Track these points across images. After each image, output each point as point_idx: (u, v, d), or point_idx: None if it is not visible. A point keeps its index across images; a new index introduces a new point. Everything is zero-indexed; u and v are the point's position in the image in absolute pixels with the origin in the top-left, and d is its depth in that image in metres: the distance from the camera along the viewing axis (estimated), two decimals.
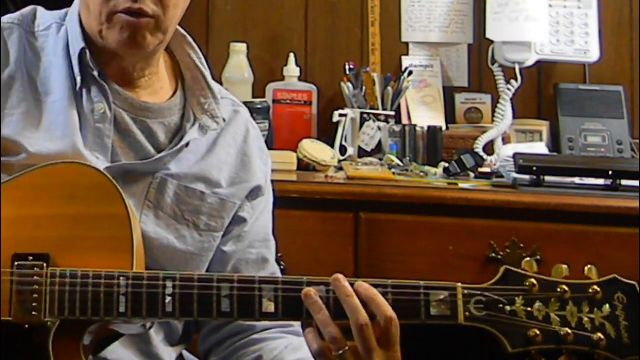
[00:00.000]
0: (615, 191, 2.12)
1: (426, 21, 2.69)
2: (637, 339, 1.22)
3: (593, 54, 2.56)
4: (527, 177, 2.17)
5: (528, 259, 1.28)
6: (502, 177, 2.27)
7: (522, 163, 2.16)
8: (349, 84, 2.54)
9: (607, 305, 1.24)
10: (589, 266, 1.26)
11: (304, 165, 2.35)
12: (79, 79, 1.37)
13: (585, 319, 1.23)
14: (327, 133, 2.52)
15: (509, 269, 1.26)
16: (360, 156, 2.46)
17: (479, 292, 1.24)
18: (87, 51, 1.37)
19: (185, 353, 1.52)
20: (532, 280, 1.25)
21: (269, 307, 1.23)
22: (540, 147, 2.47)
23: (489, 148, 2.50)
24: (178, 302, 1.23)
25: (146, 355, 1.42)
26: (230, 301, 1.23)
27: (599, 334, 1.22)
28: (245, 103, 2.44)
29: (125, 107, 1.40)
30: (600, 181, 2.18)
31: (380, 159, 2.42)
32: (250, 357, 1.45)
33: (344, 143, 2.47)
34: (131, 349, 1.40)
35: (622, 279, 1.25)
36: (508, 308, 1.24)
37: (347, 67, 2.56)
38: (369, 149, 2.48)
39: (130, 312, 1.23)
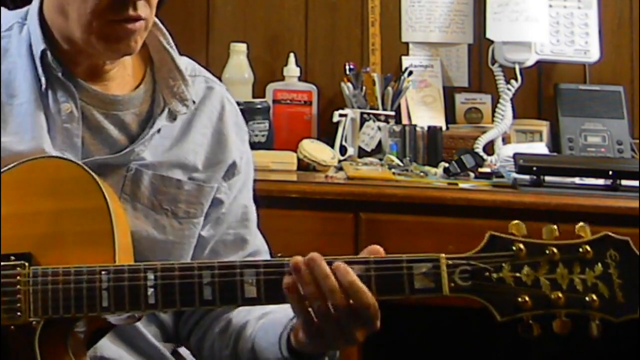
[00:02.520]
0: (615, 191, 2.12)
1: (426, 21, 2.69)
2: (632, 296, 1.17)
3: (593, 54, 2.56)
4: (527, 177, 2.17)
5: (516, 221, 1.22)
6: (502, 177, 2.27)
7: (522, 163, 2.16)
8: (349, 84, 2.54)
9: (599, 264, 1.18)
10: (580, 224, 1.21)
11: (304, 165, 2.35)
12: (43, 80, 1.35)
13: (577, 280, 1.18)
14: (327, 133, 2.52)
15: (494, 234, 1.21)
16: (360, 156, 2.46)
17: (463, 261, 1.20)
18: (48, 52, 1.35)
19: (183, 349, 1.52)
20: (519, 244, 1.19)
21: (251, 291, 1.21)
22: (540, 147, 2.47)
23: (489, 148, 2.50)
24: (160, 294, 1.22)
25: (141, 351, 1.42)
26: (212, 288, 1.21)
27: (592, 295, 1.17)
28: (246, 103, 2.46)
29: (95, 103, 1.38)
30: (600, 181, 2.18)
31: (380, 159, 2.42)
32: (222, 324, 1.44)
33: (344, 143, 2.47)
34: (126, 345, 1.40)
35: (614, 236, 1.20)
36: (495, 275, 1.19)
37: (347, 67, 2.56)
38: (369, 149, 2.48)
39: (113, 307, 1.22)
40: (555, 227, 1.21)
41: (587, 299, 1.17)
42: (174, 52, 1.44)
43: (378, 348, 2.58)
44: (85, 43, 1.33)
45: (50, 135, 1.35)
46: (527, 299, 1.18)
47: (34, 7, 1.40)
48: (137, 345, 1.41)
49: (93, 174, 1.29)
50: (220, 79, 2.55)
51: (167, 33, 1.45)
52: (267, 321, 1.37)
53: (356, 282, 1.19)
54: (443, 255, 1.21)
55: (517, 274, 1.19)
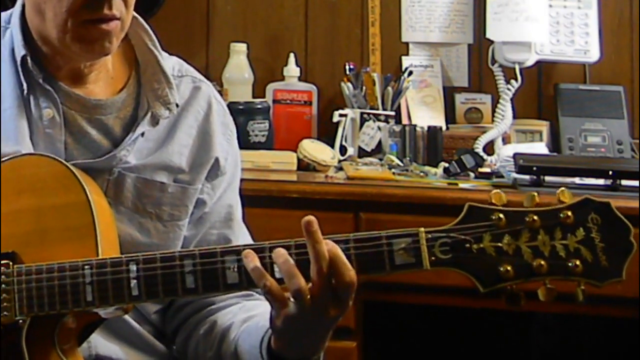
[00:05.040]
0: (615, 191, 2.12)
1: (426, 21, 2.69)
2: (616, 260, 1.14)
3: (593, 54, 2.56)
4: (527, 177, 2.17)
5: (496, 190, 1.20)
6: (502, 177, 2.27)
7: (522, 163, 2.16)
8: (349, 84, 2.54)
9: (581, 229, 1.15)
10: (561, 189, 1.19)
11: (304, 165, 2.35)
12: (25, 86, 1.35)
13: (559, 246, 1.15)
14: (327, 133, 2.52)
15: (473, 204, 1.18)
16: (360, 156, 2.46)
17: (443, 234, 1.18)
18: (29, 58, 1.34)
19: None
20: (499, 213, 1.16)
21: (233, 277, 1.21)
22: (540, 147, 2.47)
23: (489, 148, 2.50)
24: (143, 285, 1.22)
25: (136, 348, 1.42)
26: (194, 277, 1.21)
27: (575, 260, 1.15)
28: (246, 103, 2.47)
29: (77, 108, 1.37)
30: (600, 181, 2.18)
31: (380, 159, 2.42)
32: (207, 325, 1.43)
33: (344, 143, 2.47)
34: (121, 343, 1.40)
35: (595, 199, 1.18)
36: (475, 246, 1.16)
37: (347, 67, 2.56)
38: (369, 149, 2.48)
39: (97, 301, 1.22)
40: (535, 194, 1.19)
41: (570, 264, 1.15)
42: (159, 54, 1.43)
43: (378, 348, 2.58)
44: (61, 44, 1.32)
45: (32, 141, 1.35)
46: (509, 268, 1.15)
47: (16, 10, 1.39)
48: (132, 342, 1.41)
49: (72, 168, 1.29)
50: (220, 79, 2.58)
51: (152, 34, 1.44)
52: (251, 324, 1.36)
53: (342, 256, 1.18)
54: (422, 229, 1.19)
55: (498, 244, 1.16)
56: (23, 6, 1.38)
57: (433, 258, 1.18)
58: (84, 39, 1.30)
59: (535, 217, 1.16)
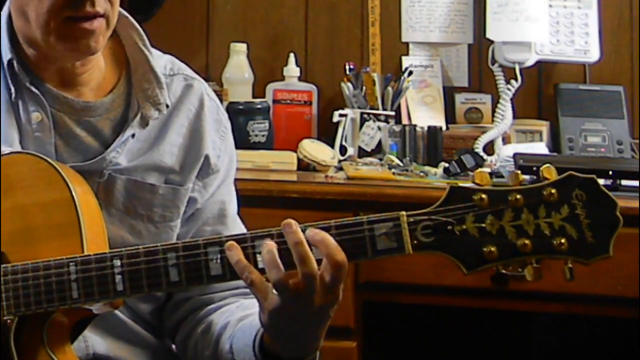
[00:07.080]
0: (615, 191, 2.12)
1: (426, 21, 2.69)
2: (602, 236, 1.12)
3: (593, 54, 2.56)
4: (527, 177, 2.17)
5: (480, 170, 1.18)
6: (502, 177, 2.27)
7: (522, 163, 2.16)
8: (349, 84, 2.54)
9: (566, 206, 1.13)
10: (546, 165, 1.17)
11: (304, 165, 2.36)
12: (12, 90, 1.35)
13: (543, 224, 1.13)
14: (327, 133, 2.52)
15: (454, 186, 1.16)
16: (360, 156, 2.47)
17: (425, 217, 1.15)
18: (15, 61, 1.34)
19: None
20: (480, 194, 1.14)
21: (216, 269, 1.20)
22: (540, 147, 2.47)
23: (489, 148, 2.50)
24: (127, 280, 1.22)
25: (133, 345, 1.42)
26: (177, 270, 1.21)
27: (560, 238, 1.12)
28: (246, 103, 2.47)
29: (66, 111, 1.36)
30: (601, 181, 2.17)
31: (380, 159, 2.42)
32: (205, 325, 1.43)
33: (344, 143, 2.47)
34: (117, 340, 1.40)
35: (579, 175, 1.15)
36: (458, 228, 1.13)
37: (347, 67, 2.56)
38: (369, 149, 2.48)
39: (83, 297, 1.22)
40: (519, 172, 1.17)
41: (554, 242, 1.12)
42: (149, 53, 1.42)
43: (378, 348, 2.58)
44: (46, 44, 1.31)
45: (22, 145, 1.35)
46: (492, 249, 1.13)
47: (3, 14, 1.39)
48: (129, 340, 1.42)
49: (56, 165, 1.29)
50: (220, 79, 2.58)
51: (142, 33, 1.43)
52: (246, 323, 1.36)
53: (329, 238, 1.16)
54: (404, 212, 1.16)
55: (481, 225, 1.14)
56: (10, 10, 1.37)
57: (415, 242, 1.16)
58: (68, 37, 1.30)
59: (519, 196, 1.14)
